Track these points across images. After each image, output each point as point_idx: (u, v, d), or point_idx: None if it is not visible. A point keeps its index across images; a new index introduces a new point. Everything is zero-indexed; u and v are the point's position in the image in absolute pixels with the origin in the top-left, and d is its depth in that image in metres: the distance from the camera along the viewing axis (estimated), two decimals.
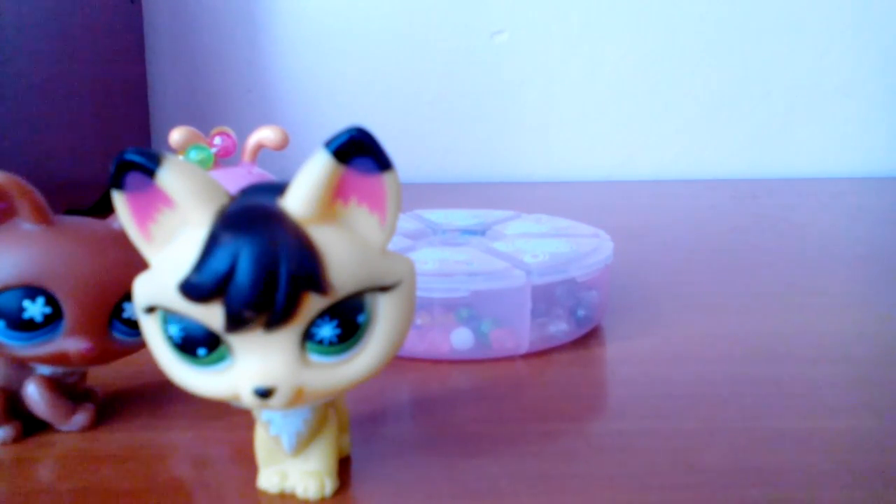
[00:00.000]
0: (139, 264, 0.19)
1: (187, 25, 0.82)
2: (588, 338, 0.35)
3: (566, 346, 0.34)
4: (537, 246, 0.35)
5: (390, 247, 0.19)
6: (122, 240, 0.22)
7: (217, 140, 0.42)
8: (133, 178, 0.18)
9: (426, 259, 0.33)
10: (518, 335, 0.33)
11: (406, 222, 0.41)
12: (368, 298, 0.19)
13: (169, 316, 0.18)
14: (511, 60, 0.84)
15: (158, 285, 0.18)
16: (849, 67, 0.85)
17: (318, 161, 0.18)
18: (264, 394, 0.18)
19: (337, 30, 0.83)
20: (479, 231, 0.40)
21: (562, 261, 0.33)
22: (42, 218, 0.24)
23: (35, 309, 0.23)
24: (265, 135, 0.42)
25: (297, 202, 0.18)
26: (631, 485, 0.23)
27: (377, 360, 0.19)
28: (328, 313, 0.18)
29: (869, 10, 0.83)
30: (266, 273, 0.17)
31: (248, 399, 0.18)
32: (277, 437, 0.21)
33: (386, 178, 0.18)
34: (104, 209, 0.23)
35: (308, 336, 0.18)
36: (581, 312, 0.34)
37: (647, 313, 0.39)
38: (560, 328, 0.34)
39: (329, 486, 0.22)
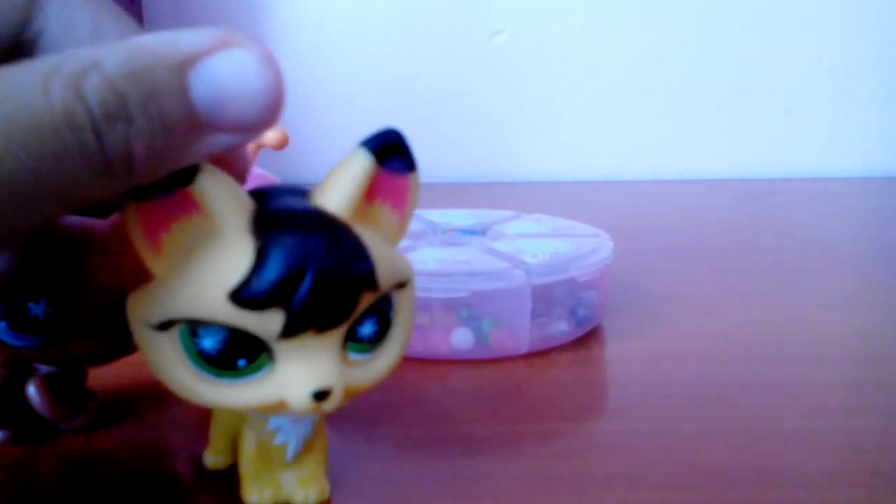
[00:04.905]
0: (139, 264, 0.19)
1: (187, 25, 0.82)
2: (588, 338, 0.35)
3: (566, 346, 0.34)
4: (537, 246, 0.35)
5: None
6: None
7: None
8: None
9: (426, 259, 0.33)
10: (518, 335, 0.33)
11: None
12: (394, 295, 0.19)
13: (202, 329, 0.17)
14: (511, 60, 0.84)
15: (189, 297, 0.17)
16: (849, 67, 0.85)
17: (358, 160, 0.18)
18: (321, 396, 0.18)
19: (337, 30, 0.83)
20: (479, 231, 0.40)
21: (562, 261, 0.33)
22: None
23: (37, 309, 0.23)
24: (265, 135, 0.42)
25: (336, 202, 0.17)
26: (631, 485, 0.23)
27: (399, 353, 0.20)
28: (370, 311, 0.18)
29: (869, 10, 0.83)
30: (329, 275, 0.16)
31: (301, 403, 0.17)
32: (284, 444, 0.21)
33: (411, 178, 0.19)
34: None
35: (349, 335, 0.18)
36: (581, 312, 0.34)
37: (647, 313, 0.38)
38: (560, 328, 0.34)
39: (328, 488, 0.22)
